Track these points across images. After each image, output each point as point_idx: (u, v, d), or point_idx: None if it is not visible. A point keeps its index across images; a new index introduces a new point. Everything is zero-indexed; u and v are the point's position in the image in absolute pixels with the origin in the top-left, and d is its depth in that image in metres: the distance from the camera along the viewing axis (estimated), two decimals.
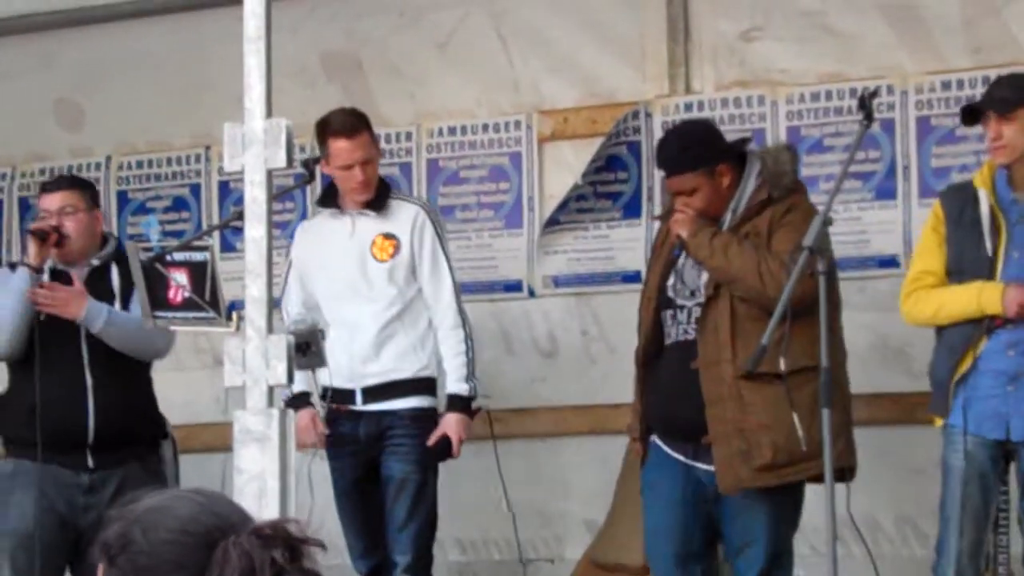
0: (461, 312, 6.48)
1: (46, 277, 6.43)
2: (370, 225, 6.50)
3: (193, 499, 2.30)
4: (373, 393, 6.43)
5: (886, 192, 7.02)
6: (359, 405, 6.45)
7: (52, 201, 6.51)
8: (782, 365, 5.44)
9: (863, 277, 6.86)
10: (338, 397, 6.45)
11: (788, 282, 5.33)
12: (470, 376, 6.43)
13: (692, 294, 5.87)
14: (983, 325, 5.61)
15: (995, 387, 5.59)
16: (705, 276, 5.83)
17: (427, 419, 6.44)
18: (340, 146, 6.44)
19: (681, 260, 5.92)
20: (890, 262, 6.92)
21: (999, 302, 5.54)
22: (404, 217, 6.50)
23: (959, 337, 5.67)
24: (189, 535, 2.24)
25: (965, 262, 5.68)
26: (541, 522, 7.37)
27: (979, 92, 6.80)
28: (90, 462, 6.34)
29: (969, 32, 6.96)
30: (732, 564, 5.86)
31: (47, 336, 6.39)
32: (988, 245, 5.64)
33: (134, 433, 6.35)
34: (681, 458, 5.86)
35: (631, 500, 6.70)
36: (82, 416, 6.33)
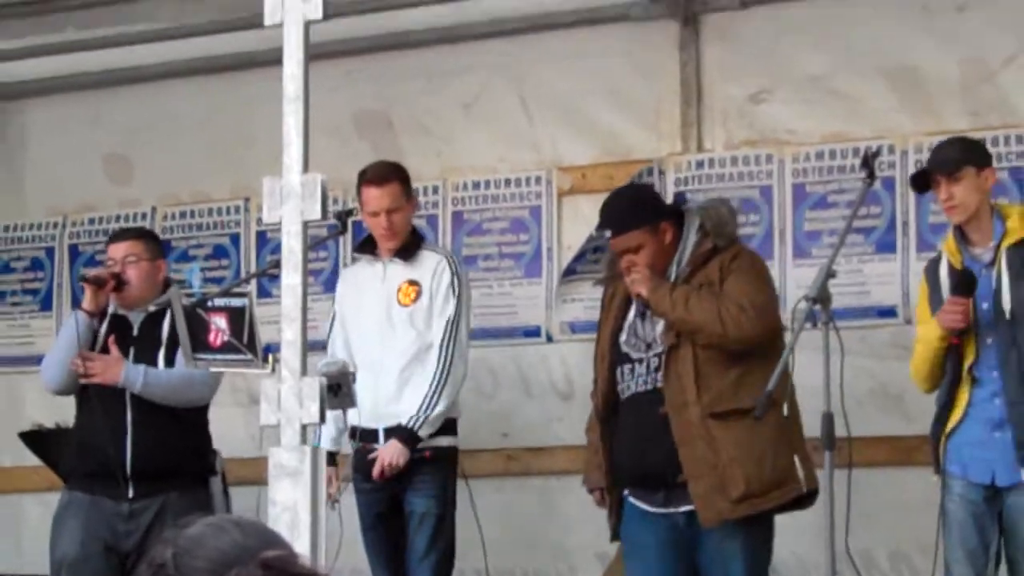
0: (445, 357, 6.41)
1: (106, 322, 6.49)
2: (398, 272, 6.52)
3: (227, 529, 2.30)
4: (394, 434, 6.41)
5: (886, 246, 7.01)
6: (382, 444, 6.44)
7: (118, 250, 6.58)
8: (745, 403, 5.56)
9: (863, 326, 6.85)
10: (364, 436, 6.44)
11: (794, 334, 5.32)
12: (423, 418, 6.35)
13: (648, 347, 5.88)
14: (958, 374, 5.60)
15: (983, 434, 5.57)
16: (660, 328, 5.83)
17: (445, 457, 6.44)
18: (370, 194, 6.51)
19: (631, 316, 5.93)
20: (889, 312, 6.92)
21: (937, 324, 5.55)
22: (428, 265, 6.52)
23: (944, 392, 5.67)
24: (211, 562, 2.24)
25: None
26: (555, 554, 7.36)
27: None
28: (130, 492, 6.36)
29: (966, 96, 6.97)
30: None
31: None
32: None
33: (173, 468, 6.34)
34: (655, 509, 5.83)
35: None
36: (120, 451, 6.35)
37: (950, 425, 5.63)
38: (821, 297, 5.30)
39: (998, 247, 5.58)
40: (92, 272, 6.72)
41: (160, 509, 6.29)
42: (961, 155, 5.61)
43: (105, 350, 6.48)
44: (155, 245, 6.74)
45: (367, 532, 6.54)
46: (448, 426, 6.48)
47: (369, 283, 6.60)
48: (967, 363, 5.60)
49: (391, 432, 6.36)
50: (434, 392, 6.38)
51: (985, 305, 5.57)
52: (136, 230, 7.05)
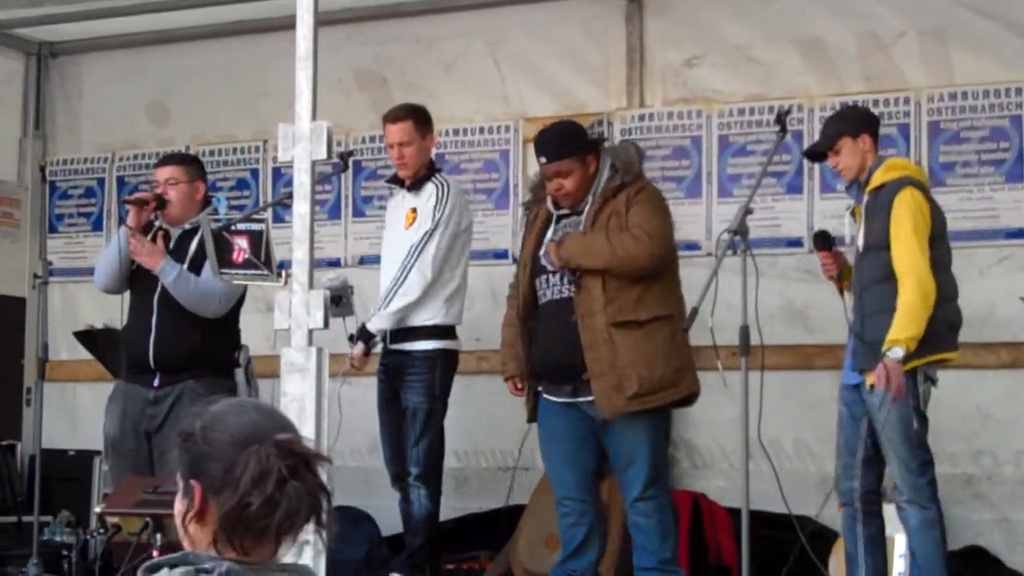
0: (405, 265, 6.28)
1: (150, 235, 6.37)
2: (408, 201, 6.46)
3: (247, 409, 2.30)
4: (395, 336, 6.38)
5: (795, 188, 7.00)
6: (389, 344, 6.41)
7: (162, 173, 6.40)
8: (643, 315, 5.57)
9: (775, 254, 6.85)
10: (382, 336, 6.40)
11: (718, 260, 5.28)
12: (372, 315, 6.30)
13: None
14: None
15: (853, 349, 5.55)
16: None
17: (435, 359, 6.38)
18: (387, 129, 6.47)
19: (549, 234, 5.83)
20: (796, 243, 6.92)
21: None
22: (426, 193, 6.42)
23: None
24: (232, 436, 2.24)
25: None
26: (518, 438, 7.35)
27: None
28: (155, 381, 6.26)
29: (863, 64, 6.94)
30: (619, 479, 5.77)
31: (136, 280, 6.36)
32: (848, 233, 5.69)
33: (190, 362, 6.21)
34: (564, 400, 5.77)
35: None
36: (145, 346, 6.26)
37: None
38: (741, 230, 5.27)
39: (864, 191, 5.56)
40: (134, 195, 6.57)
41: (179, 396, 6.19)
42: (835, 130, 5.61)
43: (143, 266, 6.32)
44: (195, 168, 6.50)
45: (379, 414, 6.51)
46: (440, 332, 6.40)
47: (392, 212, 6.58)
48: (845, 285, 5.64)
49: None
50: (388, 293, 6.29)
51: (863, 229, 5.57)
52: (178, 155, 6.79)
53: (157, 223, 6.42)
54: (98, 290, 6.60)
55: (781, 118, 5.59)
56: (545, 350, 5.79)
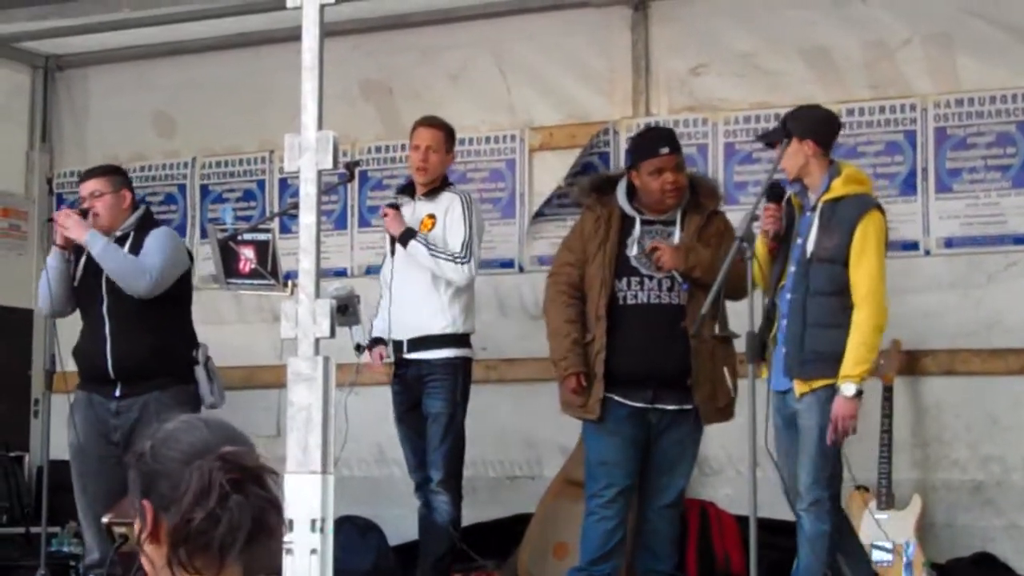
0: (466, 254, 6.34)
1: (85, 253, 6.32)
2: (423, 208, 6.48)
3: (197, 427, 2.27)
4: (412, 346, 6.39)
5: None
6: (405, 353, 6.41)
7: (85, 188, 6.44)
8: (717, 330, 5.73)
9: None
10: (395, 346, 6.44)
11: (724, 265, 5.29)
12: (426, 246, 6.31)
13: (659, 268, 5.85)
14: (776, 285, 5.61)
15: (779, 350, 5.50)
16: None
17: (456, 366, 6.39)
18: (419, 132, 6.52)
19: (636, 233, 5.89)
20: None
21: (761, 233, 5.64)
22: (444, 201, 6.46)
23: (768, 303, 5.63)
24: (181, 454, 2.22)
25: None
26: (525, 447, 7.36)
27: (876, 119, 6.81)
28: (116, 392, 6.27)
29: (868, 72, 6.94)
30: (654, 483, 5.85)
31: (81, 296, 6.38)
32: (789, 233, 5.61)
33: (151, 370, 6.22)
34: (639, 404, 5.81)
35: None
36: (103, 357, 6.27)
37: (770, 336, 5.53)
38: (747, 236, 5.26)
39: (819, 199, 5.50)
40: (55, 213, 6.58)
41: (144, 406, 6.18)
42: (783, 128, 5.60)
43: (87, 273, 6.34)
44: (119, 178, 6.50)
45: (397, 424, 6.53)
46: (458, 340, 6.42)
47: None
48: (781, 283, 5.54)
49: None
50: (439, 252, 6.31)
51: (799, 241, 5.51)
52: (100, 168, 6.71)
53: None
54: (44, 316, 6.55)
55: (786, 125, 5.59)
56: (633, 352, 5.82)
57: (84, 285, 6.35)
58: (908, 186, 6.72)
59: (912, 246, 6.68)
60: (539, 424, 7.32)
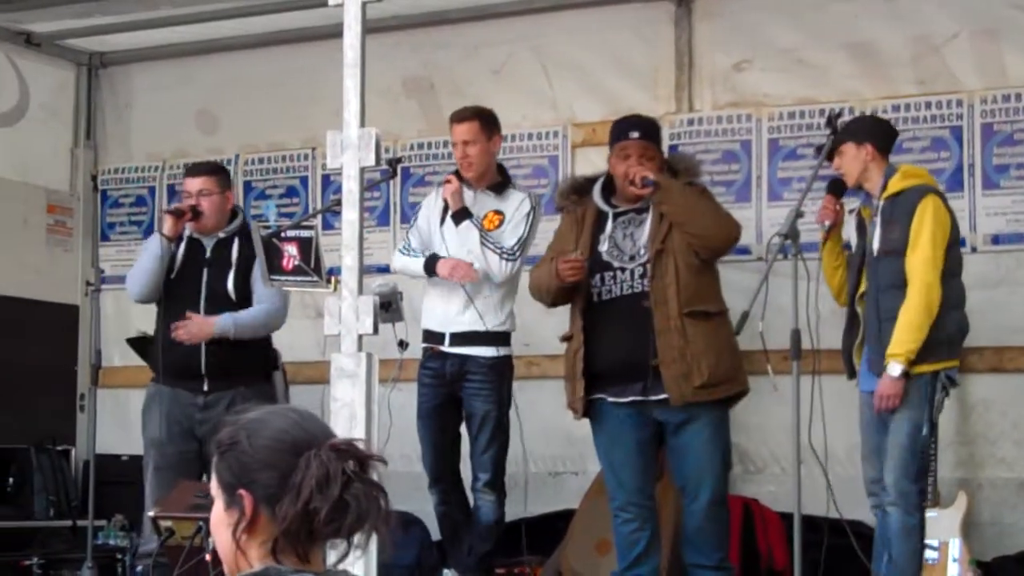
0: (516, 253, 6.30)
1: (183, 245, 6.47)
2: (487, 202, 6.42)
3: (288, 415, 2.28)
4: (455, 340, 6.35)
5: (849, 193, 6.95)
6: (447, 347, 6.37)
7: (193, 184, 6.51)
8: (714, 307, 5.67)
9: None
10: (431, 338, 6.39)
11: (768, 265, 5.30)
12: (480, 231, 6.27)
13: (631, 258, 5.79)
14: (854, 298, 5.64)
15: (869, 353, 5.54)
16: (642, 240, 5.78)
17: (501, 365, 6.36)
18: (453, 129, 6.46)
19: (608, 230, 5.85)
20: (847, 246, 6.84)
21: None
22: (514, 200, 6.42)
23: (848, 313, 5.69)
24: (281, 443, 2.22)
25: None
26: (568, 443, 7.36)
27: (922, 114, 6.78)
28: (205, 387, 6.38)
29: (915, 67, 6.90)
30: (685, 477, 5.77)
31: (176, 289, 6.45)
32: (862, 240, 5.70)
33: (241, 366, 6.35)
34: (631, 399, 5.73)
35: None
36: (197, 353, 6.36)
37: (855, 344, 5.62)
38: (791, 233, 5.28)
39: (880, 199, 5.57)
40: (174, 205, 6.67)
41: (231, 401, 6.27)
42: (840, 136, 5.65)
43: (187, 266, 6.45)
44: (224, 178, 6.63)
45: (421, 420, 6.45)
46: (505, 338, 6.39)
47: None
48: (860, 291, 5.60)
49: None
50: (492, 243, 6.25)
51: (872, 246, 5.58)
52: (208, 165, 6.84)
53: (187, 233, 6.52)
54: (132, 300, 6.65)
55: (832, 121, 5.60)
56: (613, 346, 5.75)
57: (183, 278, 6.44)
58: (954, 182, 6.68)
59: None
60: (582, 421, 7.32)
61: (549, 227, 7.54)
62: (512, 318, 6.45)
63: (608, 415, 5.82)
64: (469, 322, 6.30)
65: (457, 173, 6.43)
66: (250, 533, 2.22)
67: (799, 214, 5.39)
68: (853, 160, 5.61)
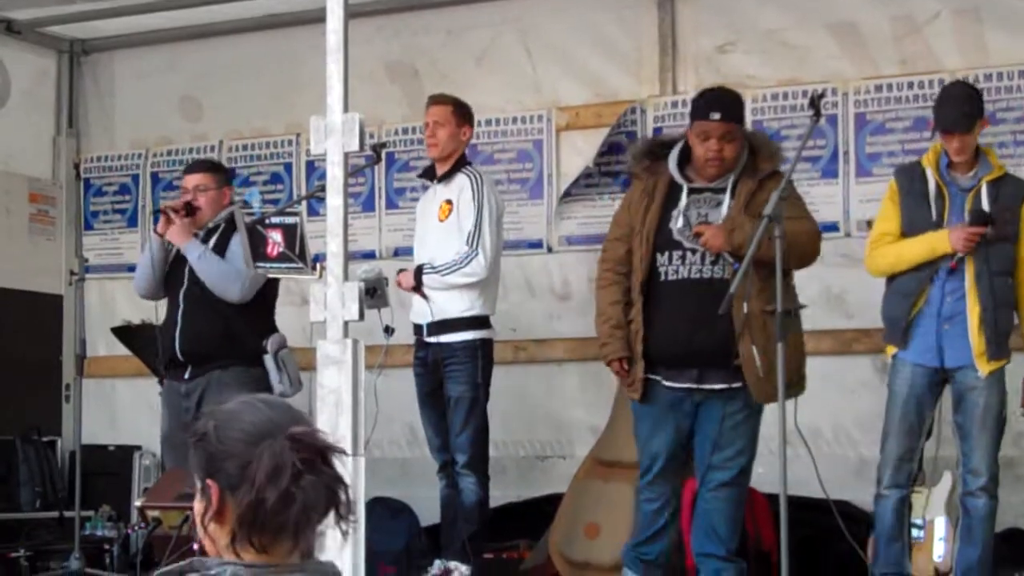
0: (468, 253, 6.34)
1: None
2: (441, 192, 6.53)
3: (257, 405, 2.28)
4: (432, 329, 6.43)
5: (830, 172, 7.00)
6: (425, 337, 6.46)
7: (190, 180, 6.61)
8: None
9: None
10: (416, 329, 6.50)
11: (753, 243, 5.19)
12: (433, 271, 6.35)
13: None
14: (928, 272, 5.57)
15: (935, 325, 5.56)
16: (719, 223, 5.56)
17: (476, 348, 6.42)
18: (428, 110, 6.55)
19: (682, 205, 5.60)
20: (832, 227, 6.89)
21: (947, 241, 5.52)
22: (457, 184, 6.48)
23: (912, 283, 5.61)
24: (245, 433, 2.23)
25: (916, 224, 5.61)
26: (556, 427, 7.40)
27: (904, 94, 6.79)
28: (186, 374, 6.45)
29: (897, 47, 6.92)
30: (708, 460, 5.62)
31: (169, 281, 6.57)
32: (934, 211, 5.60)
33: (216, 352, 6.38)
34: (685, 385, 5.60)
35: (626, 409, 6.70)
36: (173, 340, 6.46)
37: (911, 315, 5.59)
38: (776, 215, 5.23)
39: (980, 179, 5.59)
40: (168, 203, 6.76)
41: (206, 386, 6.37)
42: (976, 110, 5.61)
43: (173, 267, 6.54)
44: (222, 175, 6.73)
45: (421, 406, 6.58)
46: (477, 322, 6.44)
47: (427, 204, 6.65)
48: (935, 269, 5.58)
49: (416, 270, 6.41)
50: (447, 268, 6.35)
51: (955, 219, 5.58)
52: (206, 163, 7.00)
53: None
54: (140, 298, 6.77)
55: (815, 102, 5.54)
56: (673, 330, 5.57)
57: (173, 271, 6.56)
58: None
59: None
60: (569, 404, 7.36)
61: (535, 211, 7.58)
62: (487, 302, 6.48)
63: (658, 396, 5.66)
64: (439, 311, 6.40)
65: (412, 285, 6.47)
66: (219, 523, 2.23)
67: (783, 196, 5.31)
68: (977, 138, 5.63)
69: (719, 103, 5.65)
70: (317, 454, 2.21)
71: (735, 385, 5.52)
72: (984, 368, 5.50)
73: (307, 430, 2.24)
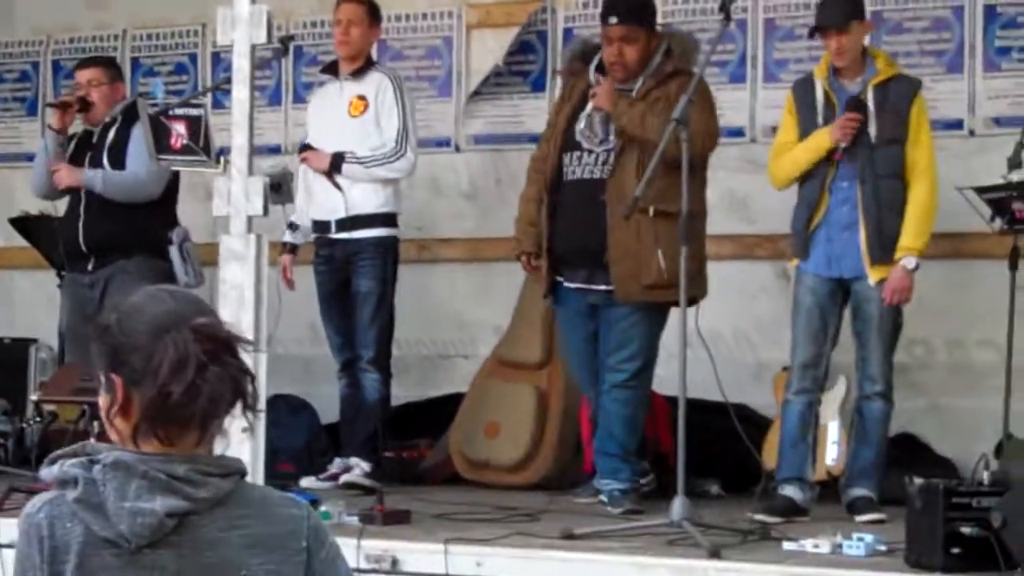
0: (396, 151, 6.36)
1: (75, 140, 6.61)
2: (351, 88, 6.48)
3: (162, 297, 2.25)
4: (341, 225, 6.40)
5: (738, 78, 7.01)
6: (333, 233, 6.43)
7: (83, 75, 6.63)
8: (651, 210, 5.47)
9: (717, 144, 6.83)
10: (320, 227, 6.46)
11: (661, 145, 5.20)
12: (355, 160, 6.33)
13: (600, 142, 5.70)
14: (820, 178, 5.57)
15: (834, 234, 5.58)
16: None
17: (386, 245, 6.43)
18: (339, 7, 6.50)
19: (588, 109, 5.70)
20: (738, 132, 6.91)
21: (827, 135, 5.54)
22: (373, 81, 6.46)
23: (809, 192, 5.63)
24: (149, 326, 2.19)
25: (809, 133, 5.65)
26: (459, 326, 7.41)
27: (813, 1, 6.77)
28: (90, 266, 6.46)
29: None
30: (604, 362, 5.75)
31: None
32: (822, 119, 5.60)
33: (120, 243, 6.38)
34: (578, 285, 5.74)
35: (529, 311, 6.74)
36: (76, 232, 6.46)
37: (811, 227, 5.62)
38: (683, 119, 5.24)
39: (866, 83, 5.58)
40: (59, 98, 6.80)
41: (110, 276, 6.38)
42: (850, 9, 5.58)
43: (74, 156, 6.56)
44: (115, 71, 6.77)
45: (322, 304, 6.55)
46: (388, 219, 6.45)
47: (330, 99, 6.57)
48: (829, 177, 5.58)
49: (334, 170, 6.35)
50: (374, 160, 6.33)
51: None
52: (98, 58, 7.04)
53: (81, 127, 6.63)
54: (37, 198, 6.76)
55: (725, 6, 5.53)
56: (567, 230, 5.72)
57: (70, 163, 6.52)
58: (955, 64, 6.68)
59: (957, 125, 6.64)
60: (472, 304, 7.37)
61: (443, 109, 7.53)
62: (396, 199, 6.48)
63: (565, 299, 5.84)
64: (350, 206, 6.37)
65: (306, 146, 6.50)
66: (124, 417, 2.20)
67: (690, 101, 5.33)
68: (858, 39, 5.59)
69: (616, 6, 5.74)
70: (222, 345, 2.19)
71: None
72: (873, 275, 5.51)
73: (211, 321, 2.21)
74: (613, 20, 5.69)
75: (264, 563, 2.18)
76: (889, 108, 5.53)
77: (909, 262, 5.45)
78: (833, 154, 5.54)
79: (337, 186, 6.36)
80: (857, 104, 5.55)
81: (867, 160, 5.52)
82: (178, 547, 2.15)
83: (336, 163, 6.36)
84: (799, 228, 5.66)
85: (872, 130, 5.52)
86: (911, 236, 5.46)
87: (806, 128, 5.66)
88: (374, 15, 6.56)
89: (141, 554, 2.13)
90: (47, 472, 2.19)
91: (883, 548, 4.67)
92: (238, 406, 2.20)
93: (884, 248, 5.49)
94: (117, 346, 2.20)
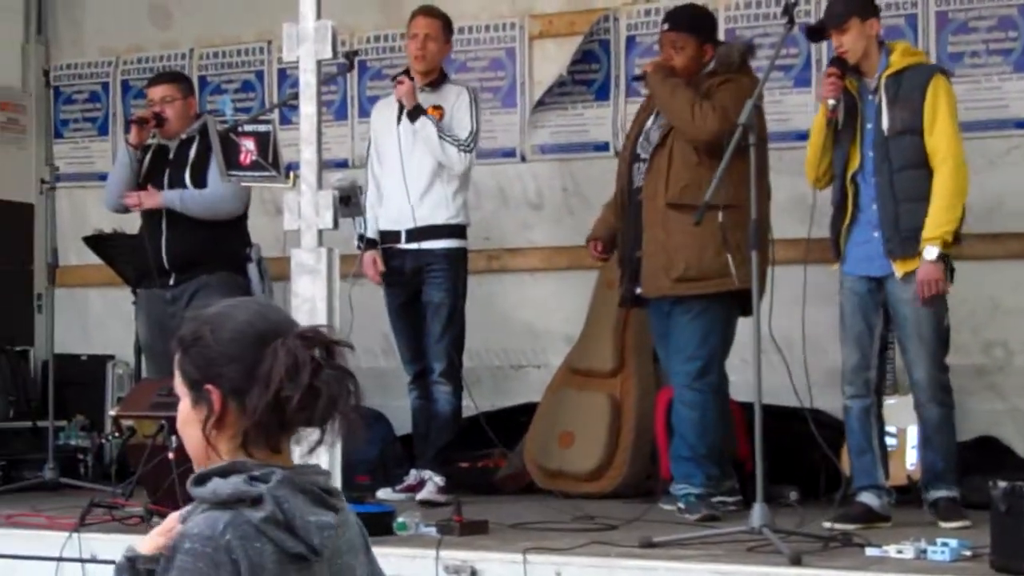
0: (470, 144, 6.40)
1: (150, 152, 6.63)
2: (426, 99, 6.47)
3: (250, 307, 2.28)
4: (411, 236, 6.38)
5: (803, 81, 6.95)
6: (403, 244, 6.42)
7: (156, 92, 6.67)
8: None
9: (783, 148, 6.75)
10: (388, 238, 6.46)
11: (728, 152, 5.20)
12: (435, 126, 6.35)
13: (653, 149, 5.84)
14: (840, 174, 5.52)
15: (866, 234, 5.50)
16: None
17: (456, 257, 6.43)
18: (417, 21, 6.53)
19: (649, 123, 5.89)
20: (805, 136, 6.79)
21: (822, 107, 5.53)
22: (451, 93, 6.50)
23: (835, 194, 5.58)
24: (246, 335, 2.21)
25: (840, 136, 5.57)
26: (530, 336, 7.38)
27: None
28: (171, 281, 6.50)
29: None
30: (668, 365, 5.96)
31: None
32: (845, 118, 5.54)
33: (203, 256, 6.43)
34: (639, 292, 5.86)
35: (600, 319, 6.70)
36: (159, 249, 6.50)
37: (842, 228, 5.56)
38: (750, 123, 5.20)
39: (880, 77, 5.50)
40: (137, 113, 6.82)
41: (194, 291, 6.41)
42: (845, 8, 5.53)
43: (152, 172, 6.59)
44: (187, 85, 6.82)
45: (394, 318, 6.55)
46: (458, 231, 6.45)
47: (391, 110, 6.55)
48: (851, 171, 5.51)
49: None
50: (446, 135, 6.35)
51: (869, 125, 5.51)
52: (169, 74, 7.11)
53: (154, 140, 6.65)
54: (111, 211, 6.82)
55: (788, 10, 5.51)
56: (626, 239, 5.90)
57: (149, 183, 6.57)
58: (1022, 63, 6.54)
59: None
60: (543, 313, 7.34)
61: (508, 120, 7.50)
62: (465, 211, 6.46)
63: (648, 307, 5.97)
64: (422, 217, 6.35)
65: (406, 72, 6.43)
66: (219, 428, 2.21)
67: (756, 105, 5.31)
68: (859, 36, 5.50)
69: (673, 14, 6.00)
70: (329, 349, 2.22)
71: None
72: (898, 269, 5.40)
73: (313, 327, 2.25)
74: (665, 26, 5.95)
75: (360, 564, 2.28)
76: (902, 98, 5.43)
77: (930, 252, 5.31)
78: (830, 116, 5.48)
79: (412, 119, 6.32)
80: (837, 61, 5.51)
81: (883, 154, 5.43)
82: (325, 557, 2.20)
83: (417, 111, 6.35)
84: (832, 231, 5.59)
85: (885, 122, 5.43)
86: (932, 226, 5.33)
87: (838, 125, 5.59)
88: (448, 29, 6.60)
89: (311, 567, 2.18)
90: (204, 491, 2.17)
91: (968, 553, 4.59)
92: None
93: (904, 242, 5.38)
94: (214, 357, 2.21)
